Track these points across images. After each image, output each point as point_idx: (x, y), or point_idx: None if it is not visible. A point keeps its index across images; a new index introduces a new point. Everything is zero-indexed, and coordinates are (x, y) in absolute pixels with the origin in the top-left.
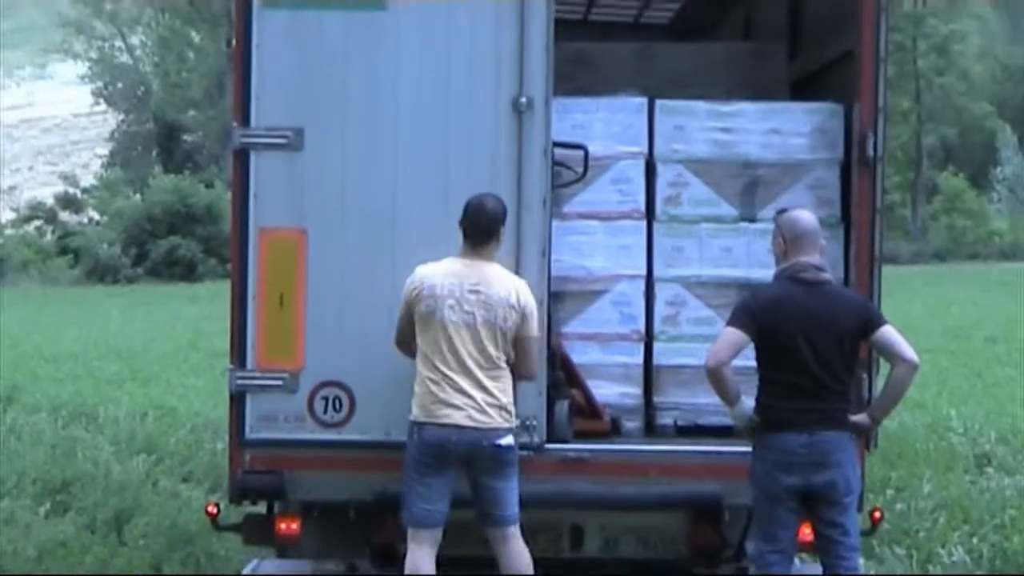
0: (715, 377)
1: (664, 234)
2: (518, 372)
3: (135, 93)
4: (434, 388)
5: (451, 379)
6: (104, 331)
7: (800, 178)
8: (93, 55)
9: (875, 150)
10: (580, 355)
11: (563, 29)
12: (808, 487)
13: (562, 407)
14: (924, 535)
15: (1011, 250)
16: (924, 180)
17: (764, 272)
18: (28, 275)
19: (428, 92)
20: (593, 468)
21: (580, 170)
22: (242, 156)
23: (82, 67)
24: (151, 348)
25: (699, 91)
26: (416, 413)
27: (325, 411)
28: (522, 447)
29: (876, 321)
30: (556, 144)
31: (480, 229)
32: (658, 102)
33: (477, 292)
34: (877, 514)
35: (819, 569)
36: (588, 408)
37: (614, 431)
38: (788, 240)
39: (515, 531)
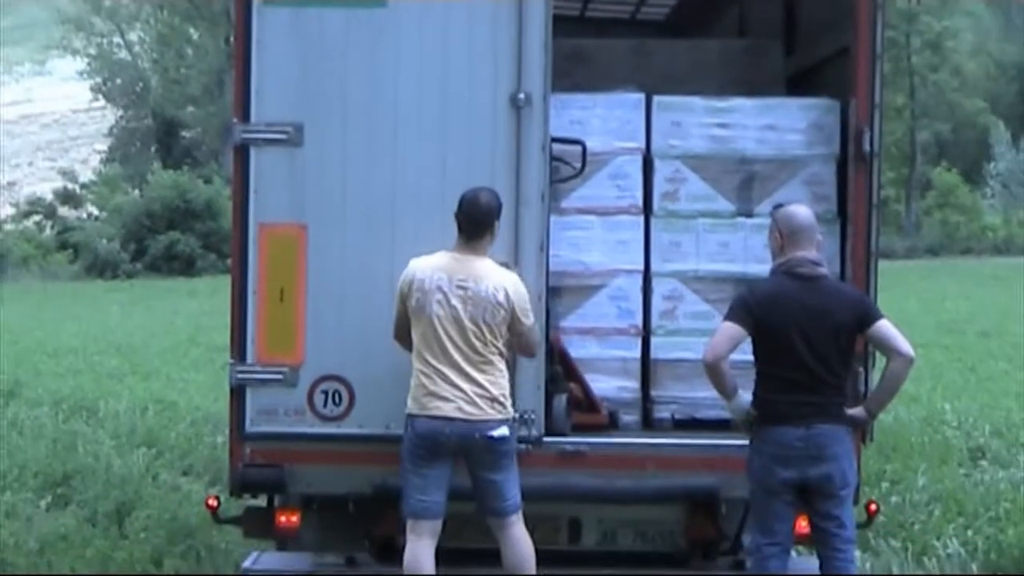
0: (713, 371)
1: (661, 229)
2: (520, 354)
3: (134, 89)
4: (425, 381)
5: (441, 372)
6: (104, 326)
7: (796, 173)
8: (92, 51)
9: (871, 146)
10: (578, 349)
11: (560, 25)
12: (805, 480)
13: (560, 401)
14: (919, 528)
15: (1004, 245)
16: (918, 176)
17: (761, 267)
18: (28, 270)
19: (427, 88)
20: (591, 461)
21: (578, 166)
22: (242, 152)
23: (81, 63)
24: (151, 343)
25: (695, 87)
26: (410, 406)
27: (325, 405)
28: (520, 440)
29: (872, 315)
30: (554, 140)
31: (474, 223)
32: (655, 98)
33: (464, 288)
34: (873, 507)
35: (815, 562)
36: (586, 402)
37: (612, 425)
38: (785, 235)
39: (516, 519)
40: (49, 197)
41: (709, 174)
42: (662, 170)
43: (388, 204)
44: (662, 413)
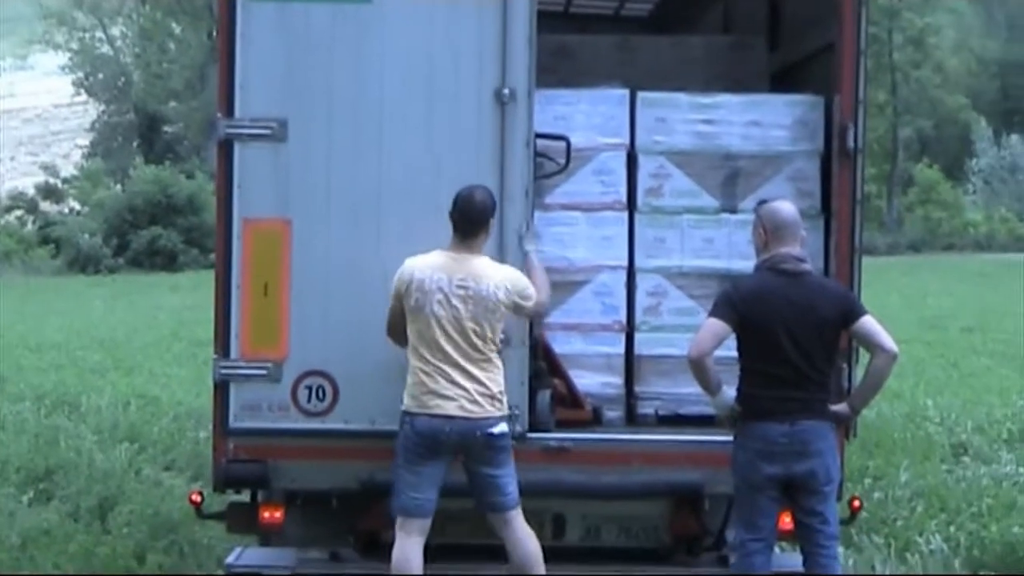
0: (697, 367)
1: (646, 225)
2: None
3: (116, 84)
4: (425, 379)
5: (442, 370)
6: (87, 321)
7: (781, 169)
8: (74, 46)
9: (855, 142)
10: (562, 345)
11: (544, 21)
12: (789, 476)
13: (544, 396)
14: (902, 524)
15: (986, 241)
16: (900, 172)
17: (745, 263)
18: (10, 265)
19: (412, 83)
20: (575, 457)
21: (562, 161)
22: (227, 147)
23: (63, 58)
24: (133, 338)
25: (680, 83)
26: (408, 403)
27: (309, 400)
28: None
29: (856, 311)
30: (538, 135)
31: (469, 221)
32: (640, 94)
33: (465, 287)
34: (856, 503)
35: (799, 558)
36: (570, 398)
37: (596, 420)
38: (769, 231)
39: (516, 514)
40: (31, 192)
41: (693, 170)
42: (646, 166)
43: (372, 199)
44: (646, 409)
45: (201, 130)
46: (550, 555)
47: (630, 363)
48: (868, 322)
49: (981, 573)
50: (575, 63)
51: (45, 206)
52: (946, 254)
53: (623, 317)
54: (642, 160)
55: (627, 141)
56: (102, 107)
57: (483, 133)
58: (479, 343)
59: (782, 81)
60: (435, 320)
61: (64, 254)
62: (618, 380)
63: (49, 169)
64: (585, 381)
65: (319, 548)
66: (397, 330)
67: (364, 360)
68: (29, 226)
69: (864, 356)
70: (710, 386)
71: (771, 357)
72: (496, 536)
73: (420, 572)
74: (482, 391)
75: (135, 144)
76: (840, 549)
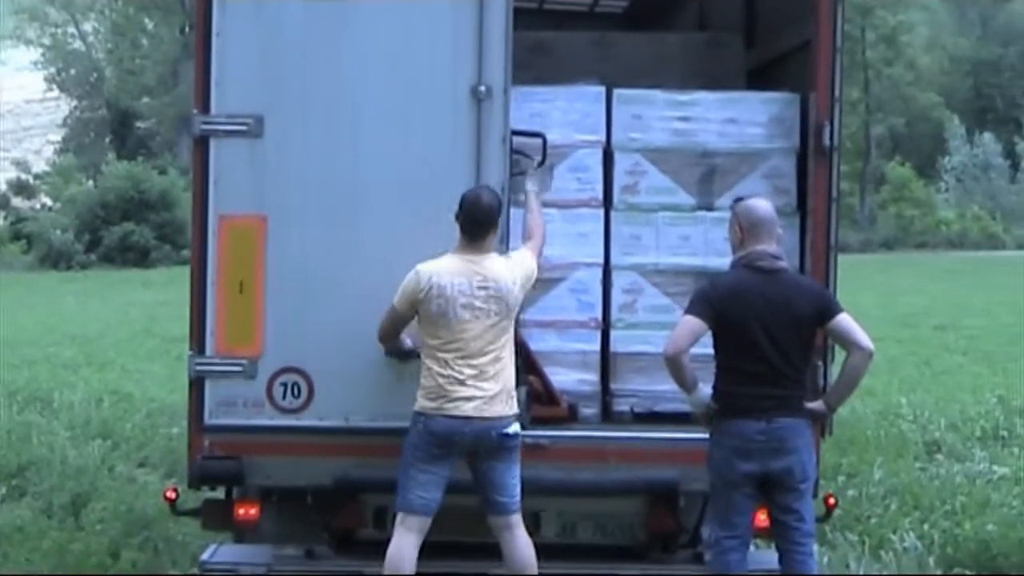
0: (673, 365)
1: (622, 222)
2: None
3: (88, 80)
4: (442, 381)
5: (465, 372)
6: (59, 317)
7: (757, 167)
8: (46, 41)
9: (831, 139)
10: (538, 342)
11: (520, 17)
12: (765, 473)
13: (520, 394)
14: (876, 521)
15: (958, 239)
16: (872, 169)
17: (721, 260)
18: None
19: (388, 80)
20: (551, 454)
21: (538, 158)
22: (202, 143)
23: (35, 53)
24: (106, 334)
25: (656, 80)
26: (424, 405)
27: (284, 397)
28: None
29: (833, 309)
30: (515, 132)
31: (477, 223)
32: (616, 91)
33: (486, 288)
34: (831, 500)
35: (774, 555)
36: (546, 395)
37: (571, 417)
38: (745, 228)
39: (518, 520)
40: (2, 188)
41: (669, 167)
42: (622, 163)
43: (348, 196)
44: (622, 406)
45: (173, 126)
46: None
47: (606, 360)
48: (844, 320)
49: (955, 571)
50: (551, 59)
51: (17, 202)
52: (919, 252)
53: (599, 314)
54: (618, 157)
55: (603, 138)
56: (74, 103)
57: (459, 130)
58: (499, 342)
59: (758, 78)
60: (459, 323)
61: (36, 250)
62: (594, 377)
63: (21, 165)
64: (561, 378)
65: (294, 545)
66: (392, 333)
67: (339, 357)
68: (1, 222)
69: (840, 354)
70: (686, 383)
71: (747, 354)
72: (493, 536)
73: (413, 571)
74: (497, 390)
75: (107, 140)
76: (815, 546)
